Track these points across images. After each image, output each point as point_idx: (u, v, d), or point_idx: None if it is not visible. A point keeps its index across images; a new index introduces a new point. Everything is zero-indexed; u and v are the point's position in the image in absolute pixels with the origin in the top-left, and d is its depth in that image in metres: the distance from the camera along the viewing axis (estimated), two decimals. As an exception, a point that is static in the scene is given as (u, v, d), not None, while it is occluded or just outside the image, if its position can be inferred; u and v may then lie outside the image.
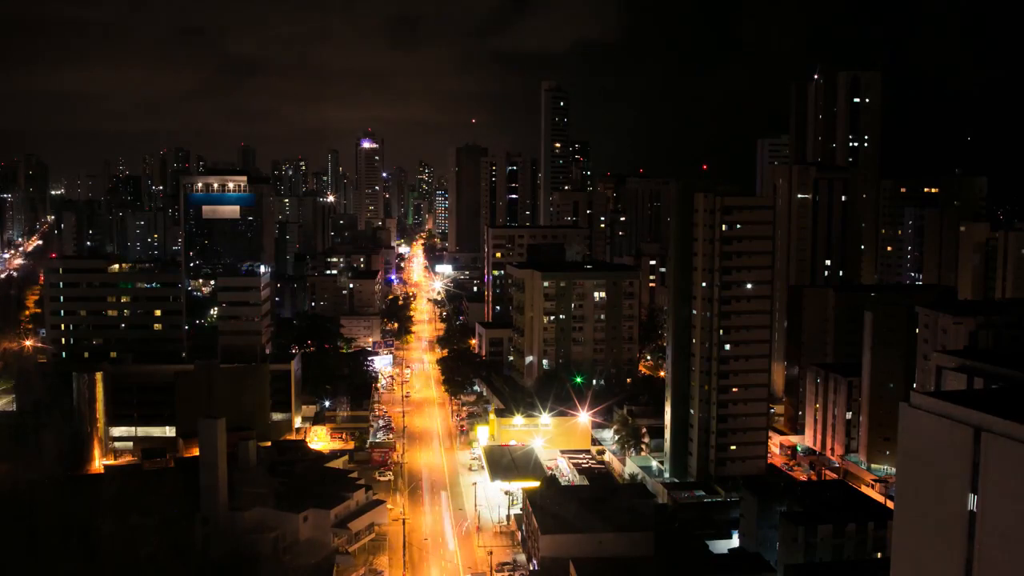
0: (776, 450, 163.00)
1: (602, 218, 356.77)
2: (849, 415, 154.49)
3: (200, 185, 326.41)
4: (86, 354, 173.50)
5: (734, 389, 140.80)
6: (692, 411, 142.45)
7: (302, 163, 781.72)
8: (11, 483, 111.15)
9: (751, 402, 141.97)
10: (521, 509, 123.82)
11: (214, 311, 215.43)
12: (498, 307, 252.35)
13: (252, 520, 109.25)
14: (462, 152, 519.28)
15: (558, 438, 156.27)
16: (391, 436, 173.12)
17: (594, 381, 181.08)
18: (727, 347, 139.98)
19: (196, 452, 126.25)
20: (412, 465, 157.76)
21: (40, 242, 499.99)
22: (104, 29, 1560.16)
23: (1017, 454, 57.85)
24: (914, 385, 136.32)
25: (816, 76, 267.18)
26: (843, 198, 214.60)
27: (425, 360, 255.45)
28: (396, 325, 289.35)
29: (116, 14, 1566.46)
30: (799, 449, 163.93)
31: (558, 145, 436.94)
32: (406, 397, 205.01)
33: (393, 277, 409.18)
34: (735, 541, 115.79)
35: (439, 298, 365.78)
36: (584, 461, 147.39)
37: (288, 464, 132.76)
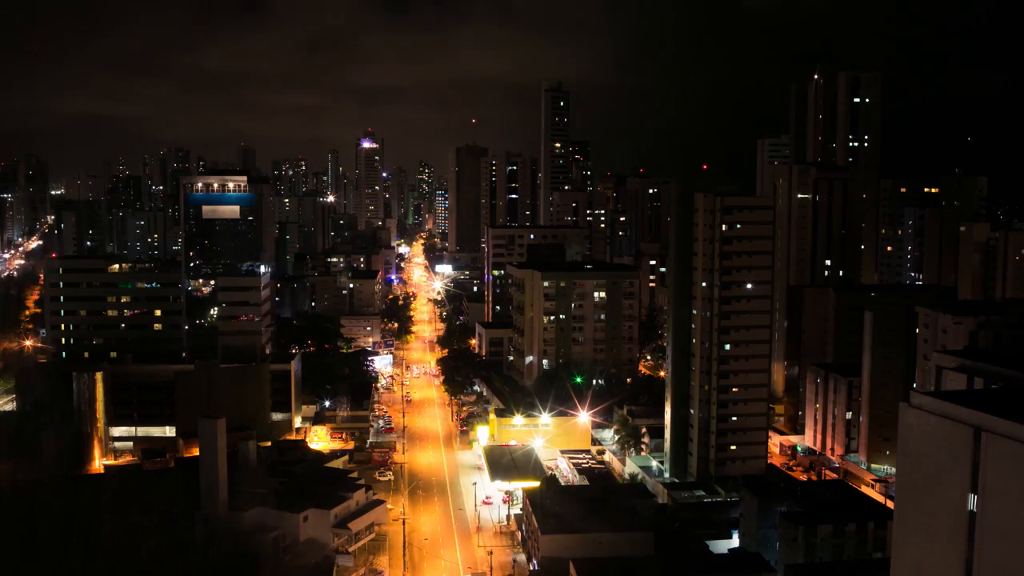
0: (776, 450, 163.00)
1: (602, 218, 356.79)
2: (849, 415, 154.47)
3: (200, 185, 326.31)
4: (86, 354, 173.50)
5: (734, 389, 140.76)
6: (692, 411, 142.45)
7: (302, 163, 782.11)
8: (11, 483, 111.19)
9: (751, 402, 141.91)
10: (521, 509, 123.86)
11: (214, 311, 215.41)
12: (498, 307, 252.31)
13: (252, 520, 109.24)
14: (462, 152, 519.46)
15: (558, 438, 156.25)
16: (391, 436, 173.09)
17: (594, 381, 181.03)
18: (727, 347, 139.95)
19: (196, 452, 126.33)
20: (412, 465, 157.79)
21: (40, 242, 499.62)
22: (104, 29, 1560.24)
23: (1017, 454, 57.82)
24: (914, 385, 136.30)
25: (816, 76, 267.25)
26: (843, 198, 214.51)
27: (425, 363, 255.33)
28: (396, 325, 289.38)
29: (116, 15, 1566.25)
30: (799, 449, 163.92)
31: (558, 145, 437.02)
32: (405, 397, 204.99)
33: (393, 277, 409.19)
34: (735, 541, 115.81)
35: (439, 298, 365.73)
36: (584, 461, 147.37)
37: (288, 464, 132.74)
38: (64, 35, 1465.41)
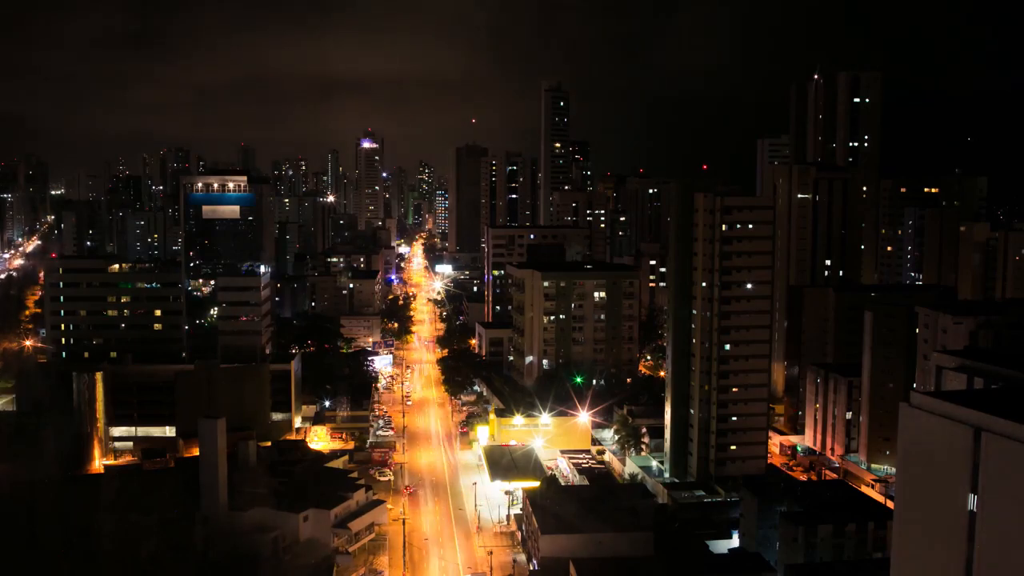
0: (776, 450, 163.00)
1: (602, 218, 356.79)
2: (849, 415, 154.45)
3: (200, 185, 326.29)
4: (86, 354, 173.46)
5: (734, 389, 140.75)
6: (692, 411, 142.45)
7: (302, 163, 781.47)
8: (11, 483, 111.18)
9: (751, 402, 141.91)
10: (521, 509, 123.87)
11: (214, 311, 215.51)
12: (498, 307, 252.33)
13: (252, 520, 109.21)
14: (462, 152, 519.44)
15: (558, 438, 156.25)
16: (391, 435, 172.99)
17: (594, 381, 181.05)
18: (727, 347, 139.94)
19: (196, 452, 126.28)
20: (412, 465, 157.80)
21: (40, 242, 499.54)
22: (104, 30, 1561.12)
23: (1017, 454, 57.84)
24: (914, 385, 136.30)
25: (816, 76, 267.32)
26: (843, 198, 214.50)
27: (424, 361, 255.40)
28: (396, 325, 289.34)
29: (115, 16, 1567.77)
30: (799, 449, 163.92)
31: (558, 145, 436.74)
32: (406, 397, 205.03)
33: (393, 277, 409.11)
34: (735, 541, 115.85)
35: (439, 298, 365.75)
36: (584, 461, 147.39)
37: (288, 464, 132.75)
38: (62, 36, 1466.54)
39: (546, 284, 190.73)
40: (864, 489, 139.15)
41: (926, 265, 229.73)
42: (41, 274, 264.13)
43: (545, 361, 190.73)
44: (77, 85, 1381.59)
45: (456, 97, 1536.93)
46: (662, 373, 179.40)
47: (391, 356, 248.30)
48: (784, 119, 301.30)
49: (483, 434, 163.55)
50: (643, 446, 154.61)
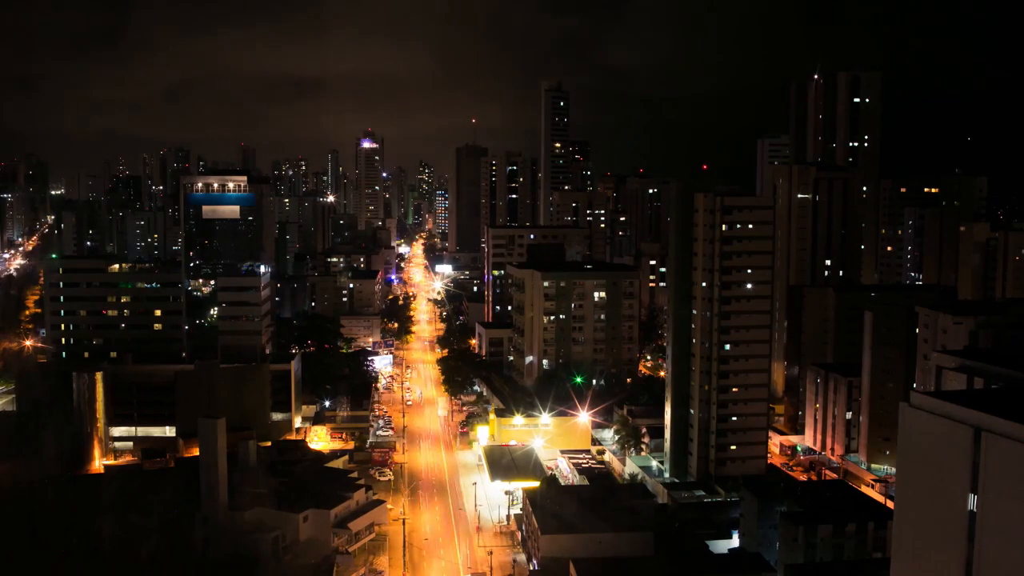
0: (776, 450, 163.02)
1: (602, 218, 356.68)
2: (849, 415, 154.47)
3: (200, 185, 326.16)
4: (86, 354, 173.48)
5: (734, 389, 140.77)
6: (692, 411, 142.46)
7: (302, 163, 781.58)
8: (11, 483, 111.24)
9: (751, 402, 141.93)
10: (521, 509, 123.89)
11: (214, 311, 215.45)
12: (498, 307, 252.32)
13: (252, 520, 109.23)
14: (462, 152, 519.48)
15: (558, 438, 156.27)
16: (391, 435, 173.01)
17: (594, 381, 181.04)
18: (727, 347, 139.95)
19: (196, 452, 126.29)
20: (412, 465, 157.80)
21: (40, 242, 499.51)
22: (104, 30, 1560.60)
23: (1017, 454, 57.87)
24: (914, 385, 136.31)
25: (816, 76, 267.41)
26: (843, 198, 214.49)
27: (424, 361, 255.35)
28: (396, 325, 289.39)
29: (115, 15, 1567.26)
30: (799, 449, 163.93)
31: (558, 145, 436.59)
32: (406, 398, 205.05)
33: (393, 277, 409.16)
34: (735, 541, 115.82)
35: (439, 298, 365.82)
36: (584, 461, 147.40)
37: (288, 464, 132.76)
38: (63, 32, 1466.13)
39: (546, 284, 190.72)
40: (864, 489, 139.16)
41: (926, 265, 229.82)
42: (41, 274, 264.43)
43: (545, 361, 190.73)
44: (76, 85, 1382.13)
45: (456, 97, 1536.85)
46: (662, 373, 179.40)
47: (391, 356, 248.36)
48: (784, 119, 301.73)
49: (483, 434, 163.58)
50: (643, 446, 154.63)
